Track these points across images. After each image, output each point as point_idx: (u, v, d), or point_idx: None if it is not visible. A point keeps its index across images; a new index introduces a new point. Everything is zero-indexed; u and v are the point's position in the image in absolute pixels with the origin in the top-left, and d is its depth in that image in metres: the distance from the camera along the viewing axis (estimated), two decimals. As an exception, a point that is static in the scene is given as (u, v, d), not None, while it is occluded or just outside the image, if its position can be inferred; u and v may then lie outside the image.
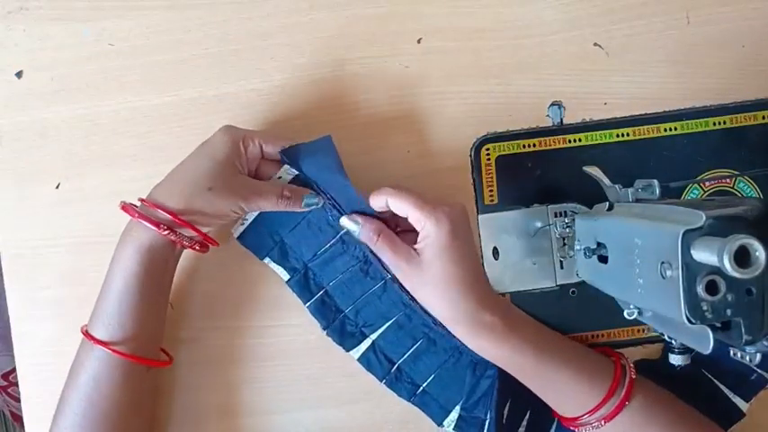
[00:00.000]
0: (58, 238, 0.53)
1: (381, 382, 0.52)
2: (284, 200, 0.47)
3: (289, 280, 0.52)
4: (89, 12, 0.53)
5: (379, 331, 0.52)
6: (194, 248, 0.47)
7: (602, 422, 0.45)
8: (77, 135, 0.53)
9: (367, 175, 0.53)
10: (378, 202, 0.46)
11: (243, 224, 0.51)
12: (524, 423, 0.50)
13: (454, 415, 0.51)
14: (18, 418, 0.95)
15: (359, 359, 0.52)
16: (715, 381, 0.51)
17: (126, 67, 0.53)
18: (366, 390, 0.53)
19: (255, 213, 0.51)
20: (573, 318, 0.52)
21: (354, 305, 0.52)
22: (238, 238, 0.51)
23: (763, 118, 0.53)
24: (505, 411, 0.49)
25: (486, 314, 0.44)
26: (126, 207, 0.45)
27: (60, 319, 0.53)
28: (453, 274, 0.44)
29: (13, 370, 0.90)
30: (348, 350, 0.52)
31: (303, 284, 0.52)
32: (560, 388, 0.46)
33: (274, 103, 0.53)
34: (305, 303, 0.52)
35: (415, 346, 0.52)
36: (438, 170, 0.53)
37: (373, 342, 0.52)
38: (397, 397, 0.52)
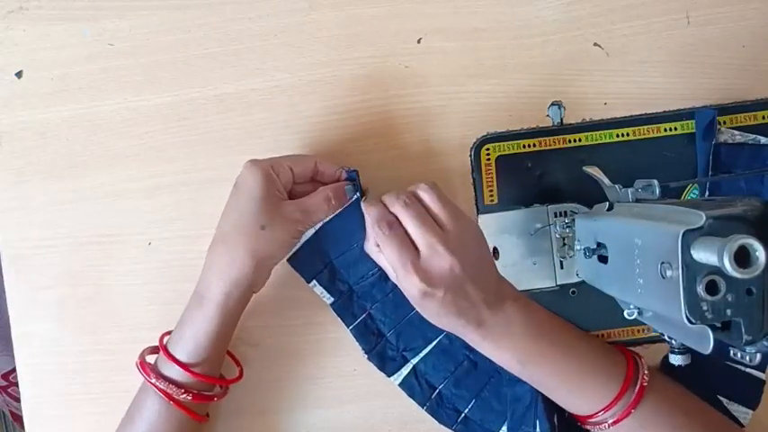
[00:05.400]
0: (57, 238, 0.53)
1: (423, 408, 0.52)
2: (332, 202, 0.48)
3: (333, 303, 0.52)
4: (89, 12, 0.53)
5: (421, 355, 0.52)
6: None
7: (607, 425, 0.45)
8: (77, 135, 0.53)
9: (367, 175, 0.52)
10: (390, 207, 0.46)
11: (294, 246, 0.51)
12: None
13: None
14: (18, 418, 0.96)
15: (400, 384, 0.52)
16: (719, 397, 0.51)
17: (126, 67, 0.53)
18: (366, 390, 0.53)
19: (309, 235, 0.50)
20: (573, 318, 0.52)
21: (395, 328, 0.51)
22: (289, 260, 0.51)
23: (764, 118, 0.53)
24: (555, 421, 0.48)
25: (472, 334, 0.45)
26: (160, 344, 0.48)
27: (60, 319, 0.53)
28: (431, 317, 0.45)
29: (13, 370, 0.90)
30: (389, 375, 0.52)
31: (347, 307, 0.52)
32: (556, 395, 0.47)
33: (274, 104, 0.53)
34: (348, 327, 0.52)
35: (456, 370, 0.51)
36: (438, 170, 0.53)
37: (414, 366, 0.52)
38: (397, 398, 0.52)
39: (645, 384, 0.45)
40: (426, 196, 0.45)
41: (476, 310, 0.44)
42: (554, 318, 0.49)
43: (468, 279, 0.43)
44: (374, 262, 0.49)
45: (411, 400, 0.52)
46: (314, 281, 0.51)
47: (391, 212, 0.45)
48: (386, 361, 0.52)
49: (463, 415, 0.51)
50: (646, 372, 0.46)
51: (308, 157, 0.49)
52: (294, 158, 0.48)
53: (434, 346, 0.52)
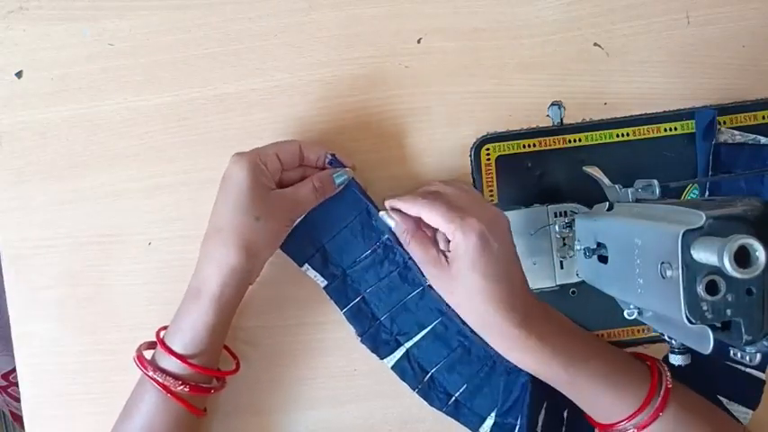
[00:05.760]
0: (57, 238, 0.53)
1: (414, 391, 0.52)
2: (320, 192, 0.48)
3: (326, 286, 0.52)
4: (89, 12, 0.53)
5: (415, 339, 0.52)
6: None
7: (635, 430, 0.44)
8: (77, 135, 0.53)
9: (367, 175, 0.53)
10: (410, 210, 0.46)
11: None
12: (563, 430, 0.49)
13: (489, 422, 0.51)
14: (18, 418, 0.96)
15: (392, 367, 0.52)
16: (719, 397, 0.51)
17: (126, 67, 0.53)
18: (366, 390, 0.53)
19: (298, 220, 0.51)
20: (573, 318, 0.52)
21: (390, 312, 0.52)
22: (280, 245, 0.51)
23: (764, 118, 0.53)
24: (540, 418, 0.49)
25: (516, 329, 0.43)
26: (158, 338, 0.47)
27: (60, 319, 0.53)
28: (482, 288, 0.42)
29: (13, 370, 0.90)
30: (382, 358, 0.52)
31: (341, 290, 0.52)
32: (593, 399, 0.45)
33: (274, 104, 0.53)
34: (341, 309, 0.52)
35: (449, 356, 0.51)
36: (438, 170, 0.53)
37: (407, 350, 0.52)
38: (396, 398, 0.52)
39: (669, 388, 0.44)
40: (456, 183, 0.47)
41: (522, 294, 0.44)
42: (575, 324, 0.49)
43: (511, 242, 0.45)
44: (367, 243, 0.50)
45: (411, 400, 0.52)
46: (306, 264, 0.52)
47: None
48: (379, 344, 0.52)
49: (454, 398, 0.52)
50: (669, 377, 0.45)
51: (292, 142, 0.49)
52: (279, 146, 0.48)
53: (429, 331, 0.52)
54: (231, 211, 0.45)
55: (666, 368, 0.47)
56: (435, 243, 0.46)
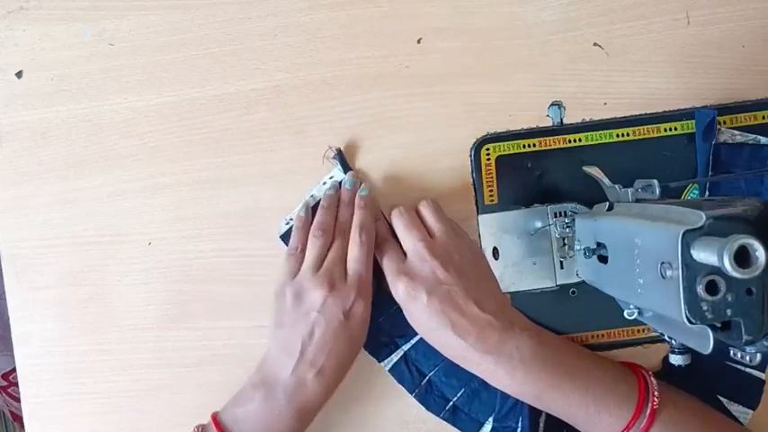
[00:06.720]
0: (58, 238, 0.53)
1: (411, 395, 0.52)
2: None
3: None
4: (89, 12, 0.53)
5: (412, 342, 0.52)
6: None
7: None
8: (77, 135, 0.53)
9: (367, 176, 0.53)
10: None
11: (287, 224, 0.52)
12: None
13: (487, 427, 0.51)
14: (18, 418, 0.95)
15: (390, 370, 0.52)
16: (719, 397, 0.51)
17: (126, 67, 0.53)
18: (365, 390, 0.53)
19: (302, 211, 0.51)
20: (573, 318, 0.52)
21: (389, 314, 0.52)
22: (282, 236, 0.52)
23: (764, 118, 0.53)
24: (542, 420, 0.49)
25: (481, 360, 0.45)
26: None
27: (60, 319, 0.53)
28: (425, 332, 0.47)
29: (13, 370, 0.90)
30: (380, 361, 0.52)
31: None
32: (572, 420, 0.46)
33: (274, 104, 0.53)
34: None
35: (447, 358, 0.51)
36: (438, 170, 0.53)
37: (405, 353, 0.52)
38: (396, 398, 0.52)
39: (655, 407, 0.44)
40: (424, 209, 0.49)
41: (475, 327, 0.44)
42: (566, 344, 0.49)
43: (457, 289, 0.45)
44: None
45: (412, 399, 0.52)
46: None
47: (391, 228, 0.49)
48: (377, 347, 0.52)
49: (451, 403, 0.52)
50: (656, 393, 0.45)
51: (371, 241, 0.49)
52: (369, 253, 0.48)
53: None
54: (350, 350, 0.47)
55: (655, 384, 0.46)
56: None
